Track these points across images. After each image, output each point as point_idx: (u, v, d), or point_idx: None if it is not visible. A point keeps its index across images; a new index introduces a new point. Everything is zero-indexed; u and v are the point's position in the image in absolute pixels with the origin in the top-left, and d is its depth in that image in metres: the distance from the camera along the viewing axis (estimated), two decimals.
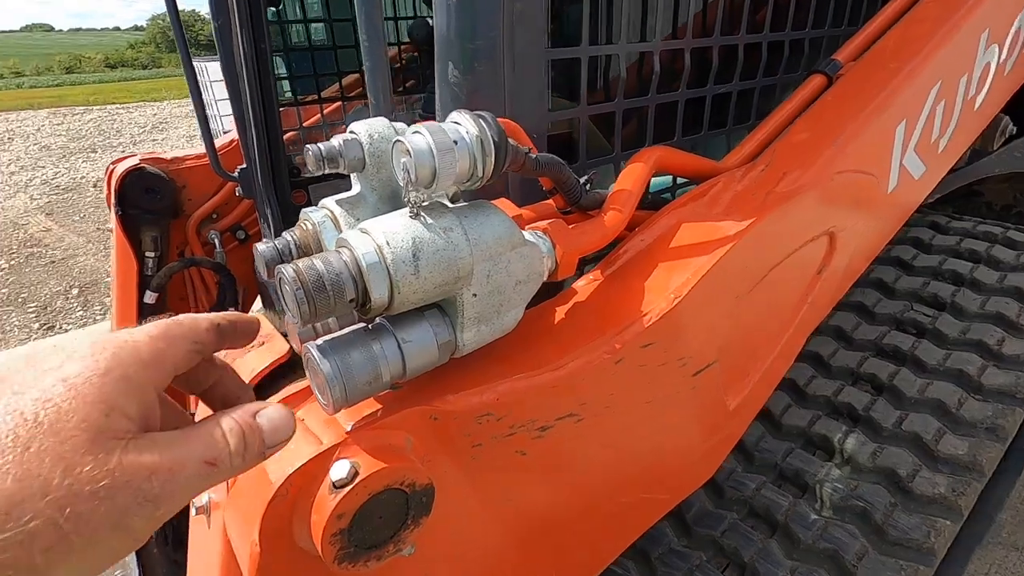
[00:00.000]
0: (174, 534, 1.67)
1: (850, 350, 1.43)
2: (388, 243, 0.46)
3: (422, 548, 0.59)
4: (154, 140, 10.27)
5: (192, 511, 0.67)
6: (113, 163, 1.75)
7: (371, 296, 0.46)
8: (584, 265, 0.72)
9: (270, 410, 0.42)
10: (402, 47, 2.11)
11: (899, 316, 1.48)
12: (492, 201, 0.68)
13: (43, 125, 12.28)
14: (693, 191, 0.84)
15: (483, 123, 0.49)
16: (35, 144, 10.23)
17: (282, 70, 1.90)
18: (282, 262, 0.54)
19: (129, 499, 0.33)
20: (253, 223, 1.99)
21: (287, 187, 1.84)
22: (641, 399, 0.72)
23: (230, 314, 0.46)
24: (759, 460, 1.22)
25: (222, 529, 0.63)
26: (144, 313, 1.71)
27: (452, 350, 0.55)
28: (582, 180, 0.67)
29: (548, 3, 0.73)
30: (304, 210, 0.56)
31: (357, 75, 2.04)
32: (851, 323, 1.49)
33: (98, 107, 14.78)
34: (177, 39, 1.59)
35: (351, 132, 0.53)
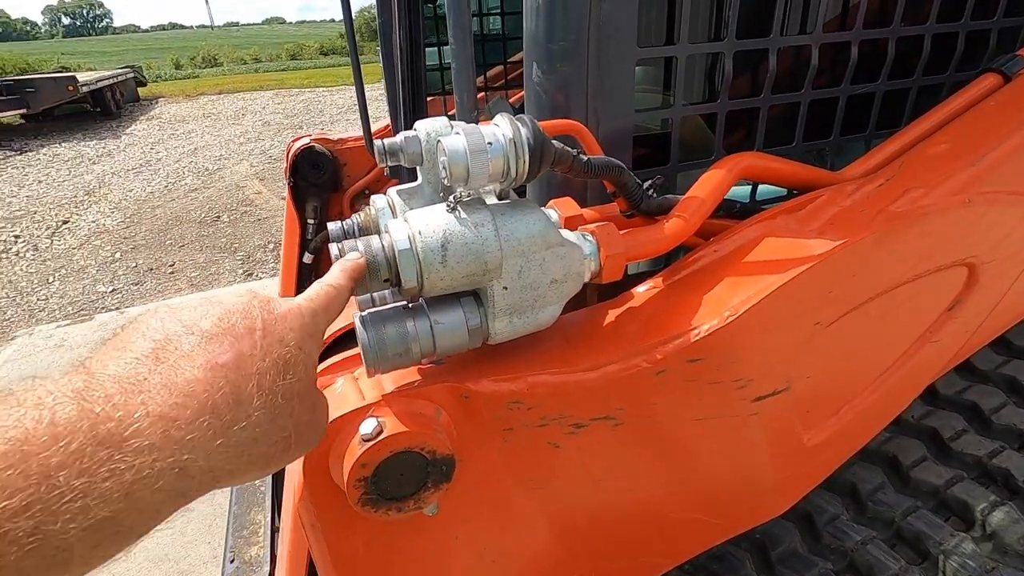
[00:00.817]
0: None
1: (1020, 408, 1.19)
2: (420, 233, 0.52)
3: (455, 513, 0.64)
4: (347, 120, 11.68)
5: None
6: (292, 140, 2.06)
7: (402, 279, 0.52)
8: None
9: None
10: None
11: None
12: (556, 200, 0.70)
13: (267, 104, 14.64)
14: (789, 202, 0.77)
15: (518, 126, 0.52)
16: (259, 120, 12.26)
17: (433, 61, 2.06)
18: (344, 239, 0.62)
19: (318, 428, 0.48)
20: None
21: None
22: (689, 415, 0.69)
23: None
24: (872, 512, 1.07)
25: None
26: (302, 271, 2.01)
27: (484, 337, 0.59)
28: (645, 184, 0.66)
29: (638, 3, 0.71)
30: (373, 196, 0.64)
31: (500, 67, 2.13)
32: None
33: (309, 89, 17.19)
34: (348, 34, 1.80)
35: (413, 130, 0.59)
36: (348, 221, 0.62)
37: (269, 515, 1.50)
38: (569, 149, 0.57)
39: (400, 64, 1.85)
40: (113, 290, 4.87)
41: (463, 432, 0.63)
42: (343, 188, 2.11)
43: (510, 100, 2.12)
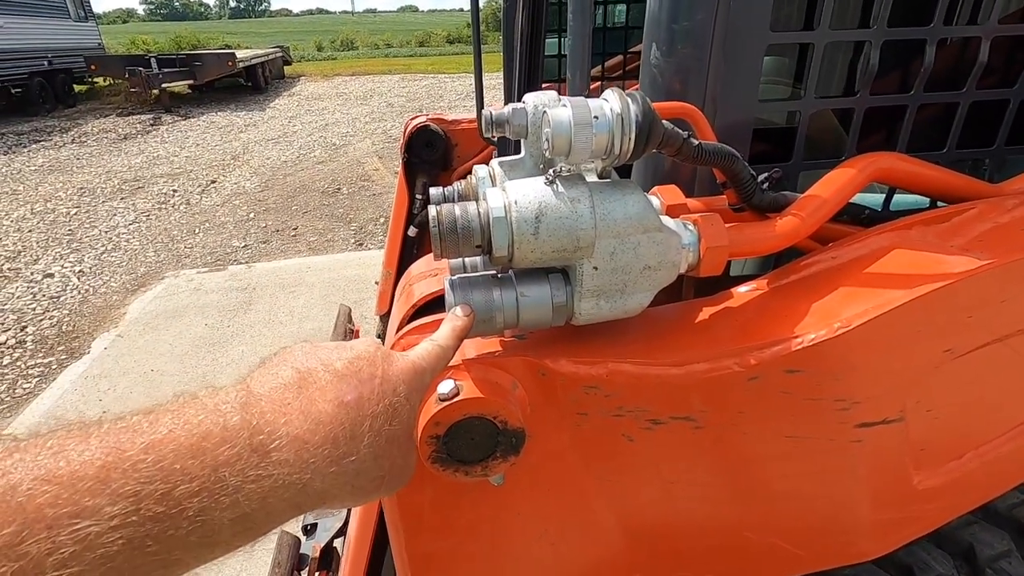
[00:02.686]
0: None
1: None
2: (516, 203, 0.52)
3: (520, 488, 0.65)
4: (464, 106, 12.05)
5: None
6: (410, 119, 2.15)
7: (494, 246, 0.53)
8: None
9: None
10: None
11: None
12: (660, 187, 0.67)
13: (393, 87, 15.48)
14: (931, 212, 0.68)
15: (628, 101, 0.50)
16: (384, 102, 12.99)
17: (553, 51, 2.06)
18: (445, 203, 0.64)
19: (405, 474, 0.52)
20: None
21: None
22: (781, 431, 0.64)
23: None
24: None
25: None
26: (406, 243, 2.10)
27: (568, 316, 0.59)
28: (760, 177, 0.62)
29: None
30: (476, 166, 0.65)
31: (620, 57, 2.09)
32: None
33: (432, 75, 17.92)
34: (472, 18, 1.85)
35: (521, 102, 0.59)
36: (449, 188, 0.63)
37: None
38: (680, 131, 0.55)
39: (519, 49, 1.87)
40: (245, 246, 5.42)
41: (537, 409, 0.63)
42: (452, 167, 2.18)
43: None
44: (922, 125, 0.79)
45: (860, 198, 0.72)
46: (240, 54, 14.33)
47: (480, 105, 1.97)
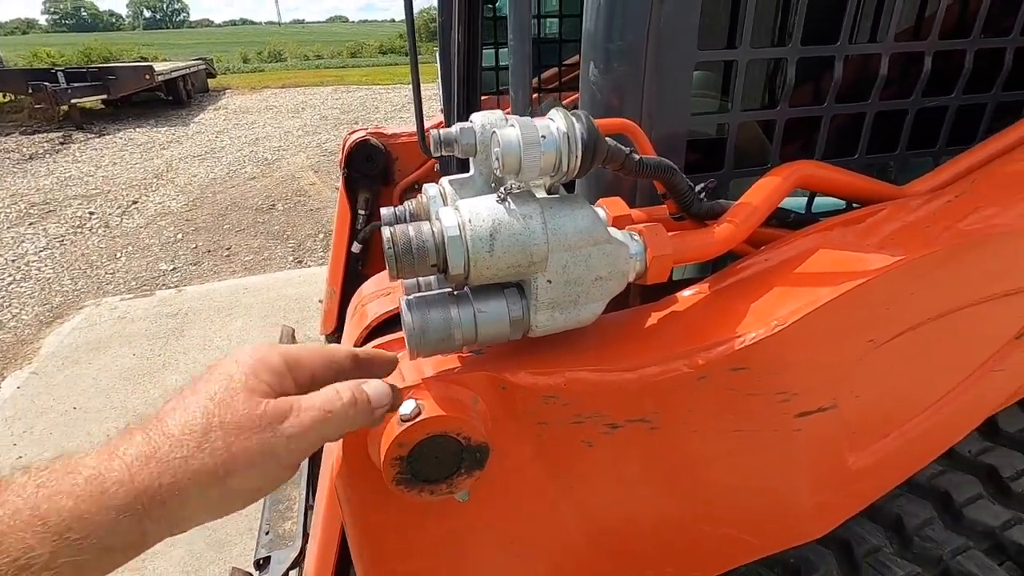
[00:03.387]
0: None
1: None
2: (470, 221, 0.53)
3: (484, 501, 0.65)
4: (400, 117, 11.94)
5: None
6: (349, 133, 2.12)
7: (449, 265, 0.53)
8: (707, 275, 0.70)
9: (374, 383, 0.54)
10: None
11: None
12: (604, 199, 0.70)
13: (326, 99, 15.11)
14: (847, 215, 0.74)
15: (573, 121, 0.52)
16: (318, 114, 12.67)
17: (488, 63, 2.09)
18: (397, 224, 0.64)
19: (270, 434, 0.47)
20: None
21: None
22: (728, 426, 0.68)
23: (371, 351, 0.59)
24: (918, 547, 1.02)
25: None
26: (350, 259, 2.07)
27: (524, 329, 0.60)
28: (697, 187, 0.65)
29: (700, 4, 0.71)
30: (426, 184, 0.65)
31: (555, 69, 2.14)
32: None
33: (366, 87, 17.65)
34: (408, 32, 1.85)
35: (469, 121, 0.60)
36: (400, 207, 0.63)
37: (304, 493, 1.54)
38: (622, 147, 0.57)
39: (457, 62, 1.89)
40: (173, 268, 5.13)
41: (498, 422, 0.64)
42: (394, 181, 2.16)
43: (563, 103, 2.13)
44: (835, 133, 0.86)
45: (786, 202, 0.78)
46: (159, 67, 13.59)
47: (420, 119, 1.97)
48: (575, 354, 0.64)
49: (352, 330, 0.81)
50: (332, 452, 0.80)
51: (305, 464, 1.68)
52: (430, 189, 0.63)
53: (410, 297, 0.58)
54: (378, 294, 0.83)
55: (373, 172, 2.06)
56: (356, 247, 2.05)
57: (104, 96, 12.13)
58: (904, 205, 0.73)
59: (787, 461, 0.72)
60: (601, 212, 0.63)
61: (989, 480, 1.09)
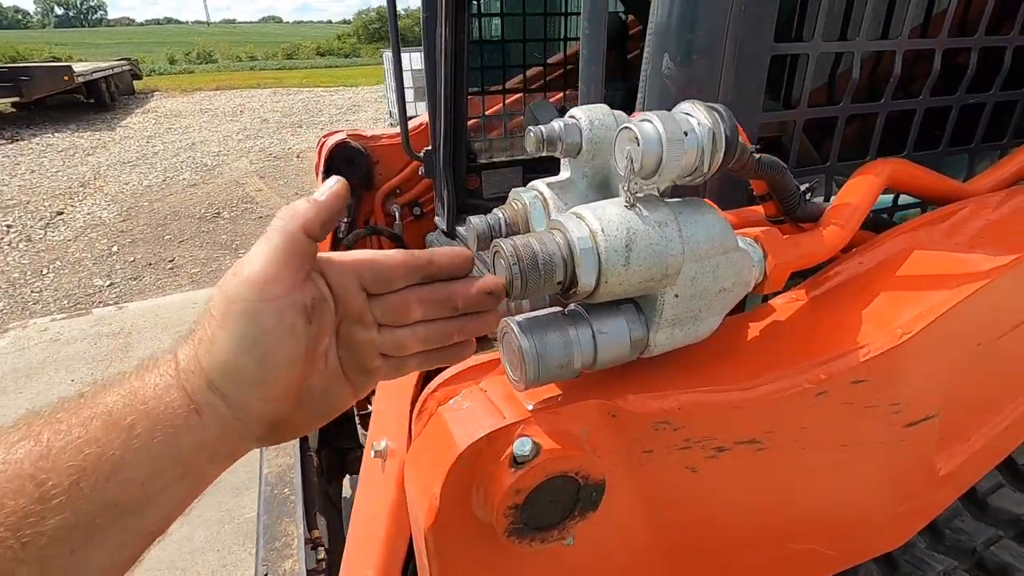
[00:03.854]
0: (329, 468, 1.87)
1: None
2: (603, 230, 0.46)
3: (583, 541, 0.58)
4: (347, 120, 11.57)
5: (370, 453, 0.73)
6: (324, 136, 1.99)
7: (579, 281, 0.46)
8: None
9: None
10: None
11: None
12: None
13: (265, 102, 14.48)
14: (930, 214, 0.72)
15: (717, 115, 0.46)
16: (258, 117, 12.11)
17: (473, 61, 2.01)
18: (491, 237, 0.56)
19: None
20: (429, 201, 2.14)
21: (464, 171, 1.95)
22: (836, 440, 0.64)
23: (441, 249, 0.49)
24: (951, 540, 1.02)
25: (397, 477, 0.68)
26: None
27: (642, 349, 0.54)
28: (803, 188, 0.61)
29: None
30: (514, 190, 0.58)
31: (540, 68, 2.09)
32: None
33: (307, 89, 17.04)
34: (391, 34, 1.74)
35: (571, 117, 0.53)
36: (492, 216, 0.55)
37: (302, 527, 1.41)
38: (747, 146, 0.52)
39: (444, 60, 1.80)
40: (111, 284, 4.73)
41: (603, 453, 0.57)
42: (375, 186, 2.04)
43: (549, 102, 2.08)
44: (884, 131, 0.85)
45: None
46: (78, 67, 12.60)
47: (403, 119, 1.86)
48: (686, 373, 0.58)
49: None
50: (418, 494, 0.70)
51: (299, 494, 1.54)
52: (524, 195, 0.56)
53: (519, 319, 0.50)
54: None
55: (355, 176, 1.93)
56: None
57: (16, 99, 11.12)
58: (984, 203, 0.71)
59: (886, 473, 0.68)
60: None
61: (1006, 469, 1.11)
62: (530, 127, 0.53)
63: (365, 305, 0.46)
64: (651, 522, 0.66)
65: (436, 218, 1.95)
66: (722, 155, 0.46)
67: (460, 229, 1.91)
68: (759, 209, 0.66)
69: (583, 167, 0.55)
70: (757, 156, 0.54)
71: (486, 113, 2.07)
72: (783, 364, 0.58)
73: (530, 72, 2.09)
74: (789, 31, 0.93)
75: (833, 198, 0.67)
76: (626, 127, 0.46)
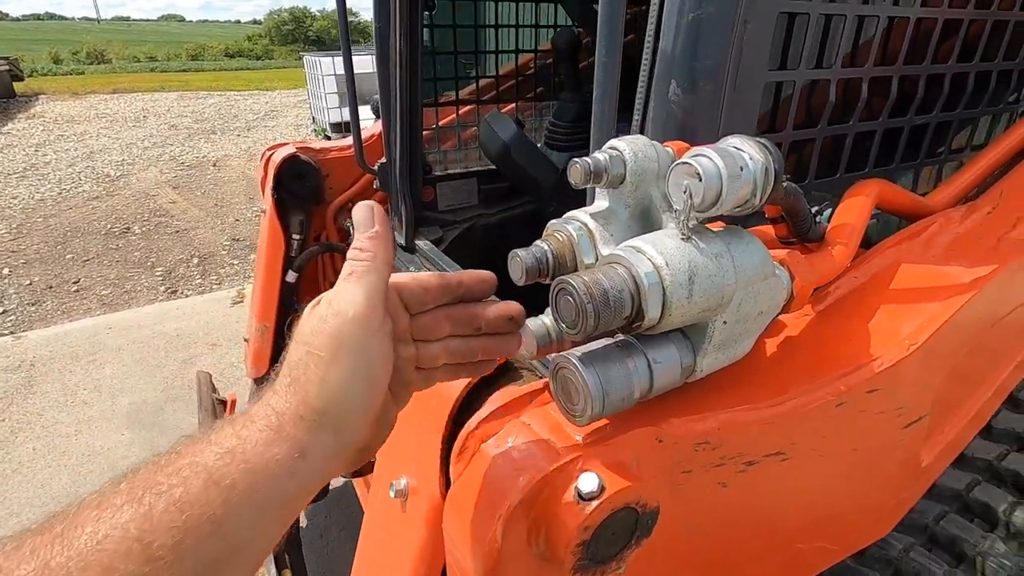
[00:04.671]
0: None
1: (1016, 412, 1.30)
2: (667, 264, 0.46)
3: (630, 568, 0.58)
4: (266, 126, 11.01)
5: (391, 493, 0.70)
6: (269, 149, 1.88)
7: (645, 315, 0.46)
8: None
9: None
10: (538, 55, 2.14)
11: None
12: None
13: (172, 106, 13.50)
14: (905, 230, 0.79)
15: (767, 151, 0.48)
16: (165, 123, 11.26)
17: (426, 72, 1.97)
18: (539, 270, 0.55)
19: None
20: None
21: (420, 183, 1.91)
22: (849, 446, 0.68)
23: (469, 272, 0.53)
24: (908, 520, 1.11)
25: (427, 518, 0.65)
26: (284, 291, 1.83)
27: (689, 374, 0.55)
28: (813, 210, 0.65)
29: (774, 25, 0.70)
30: (552, 222, 0.57)
31: (492, 79, 2.09)
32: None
33: (218, 92, 16.06)
34: (342, 40, 1.68)
35: (613, 149, 0.54)
36: (537, 248, 0.54)
37: (272, 568, 1.33)
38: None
39: (399, 72, 1.76)
40: (3, 311, 4.23)
41: (648, 479, 0.58)
42: (325, 201, 1.96)
43: (502, 112, 2.08)
44: (838, 151, 0.92)
45: None
46: None
47: (356, 131, 1.80)
48: (721, 393, 0.60)
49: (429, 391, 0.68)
50: (413, 511, 0.67)
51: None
52: (568, 226, 0.55)
53: (578, 354, 0.50)
54: None
55: (305, 191, 1.84)
56: (291, 276, 1.81)
57: None
58: (949, 218, 0.79)
59: (887, 470, 0.74)
60: None
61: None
62: (575, 160, 0.52)
63: (408, 324, 0.50)
64: (684, 539, 0.68)
65: (393, 233, 1.90)
66: (771, 187, 0.48)
67: (419, 243, 1.87)
68: (768, 230, 0.69)
69: (625, 198, 0.55)
70: (785, 184, 0.57)
71: (439, 124, 2.04)
72: (805, 379, 0.62)
73: (482, 83, 2.09)
74: (778, 59, 0.99)
75: (829, 218, 0.72)
76: (685, 163, 0.47)
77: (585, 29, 2.04)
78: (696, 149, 0.48)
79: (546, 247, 0.55)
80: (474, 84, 2.07)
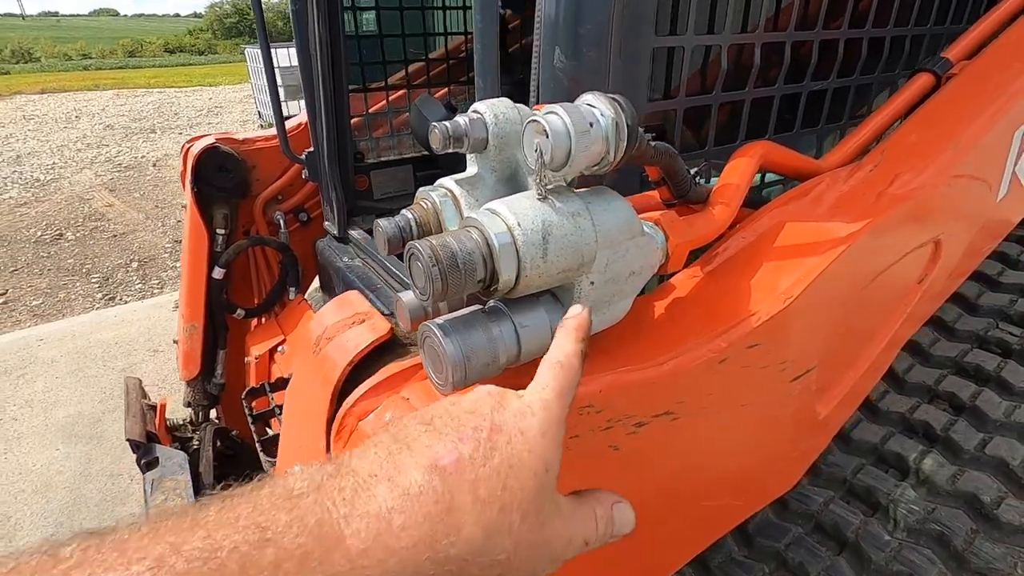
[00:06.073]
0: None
1: (927, 367, 1.36)
2: (519, 225, 0.46)
3: None
4: (210, 123, 10.61)
5: None
6: (189, 142, 1.80)
7: (499, 277, 0.46)
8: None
9: (624, 507, 0.48)
10: (468, 37, 2.11)
11: (982, 334, 1.39)
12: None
13: (107, 105, 12.85)
14: (794, 190, 0.81)
15: (618, 106, 0.48)
16: (100, 123, 10.71)
17: (352, 57, 1.92)
18: (403, 239, 0.54)
19: (545, 553, 0.39)
20: (315, 206, 2.03)
21: (351, 172, 1.87)
22: (737, 401, 0.69)
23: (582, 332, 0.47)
24: (826, 474, 1.16)
25: None
26: (211, 288, 1.76)
27: None
28: (692, 172, 0.65)
29: None
30: (421, 189, 0.56)
31: (422, 63, 2.05)
32: (928, 338, 1.41)
33: (158, 90, 15.36)
34: (258, 28, 1.62)
35: (475, 112, 0.53)
36: (401, 217, 0.53)
37: None
38: (644, 134, 0.54)
39: (319, 55, 1.71)
40: None
41: None
42: (252, 193, 1.89)
43: (434, 96, 2.05)
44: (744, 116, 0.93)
45: None
46: None
47: (279, 120, 1.74)
48: (603, 356, 0.60)
49: (316, 369, 0.66)
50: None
51: None
52: (433, 193, 0.54)
53: (439, 322, 0.49)
54: (348, 322, 0.70)
55: (228, 184, 1.77)
56: (218, 273, 1.75)
57: None
58: (836, 177, 0.81)
59: (781, 424, 0.76)
60: None
61: (863, 405, 1.28)
62: (434, 124, 0.51)
63: None
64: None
65: (326, 223, 1.85)
66: (625, 144, 0.48)
67: (353, 233, 1.83)
68: (654, 194, 0.70)
69: (490, 162, 0.54)
70: (652, 143, 0.57)
71: (370, 111, 1.99)
72: (689, 337, 0.62)
73: (412, 68, 2.05)
74: (666, 26, 0.99)
75: (715, 180, 0.73)
76: (533, 120, 0.46)
77: (513, 10, 2.02)
78: (548, 107, 0.47)
79: (410, 215, 0.53)
80: (404, 69, 2.03)
